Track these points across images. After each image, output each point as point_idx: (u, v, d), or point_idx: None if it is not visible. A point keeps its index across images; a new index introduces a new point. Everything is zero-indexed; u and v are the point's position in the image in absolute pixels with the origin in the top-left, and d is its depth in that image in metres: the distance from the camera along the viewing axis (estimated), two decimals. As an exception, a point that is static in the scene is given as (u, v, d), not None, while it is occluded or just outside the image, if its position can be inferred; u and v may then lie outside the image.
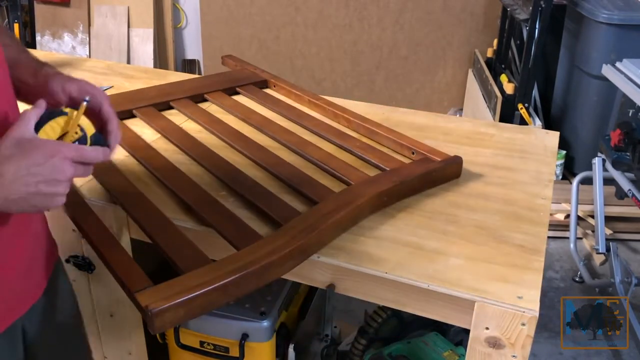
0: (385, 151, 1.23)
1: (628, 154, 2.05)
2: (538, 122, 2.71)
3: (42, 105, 0.76)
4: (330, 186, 1.07)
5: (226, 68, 1.71)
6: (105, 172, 1.11)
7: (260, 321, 1.24)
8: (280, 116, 1.40)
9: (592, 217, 2.48)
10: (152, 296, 0.77)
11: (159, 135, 1.29)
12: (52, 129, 0.78)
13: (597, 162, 2.22)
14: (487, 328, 0.84)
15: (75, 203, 1.00)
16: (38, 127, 0.75)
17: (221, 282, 0.80)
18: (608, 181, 2.23)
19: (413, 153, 1.19)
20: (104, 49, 3.57)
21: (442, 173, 1.13)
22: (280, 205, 1.02)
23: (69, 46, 3.71)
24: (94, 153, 0.76)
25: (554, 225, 2.59)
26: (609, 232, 2.55)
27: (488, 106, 2.89)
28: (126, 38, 3.47)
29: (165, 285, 0.79)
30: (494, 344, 0.85)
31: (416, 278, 0.88)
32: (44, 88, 0.83)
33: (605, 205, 2.27)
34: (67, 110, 0.80)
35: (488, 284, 0.87)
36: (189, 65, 3.68)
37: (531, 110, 2.74)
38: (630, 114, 2.13)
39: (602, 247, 2.23)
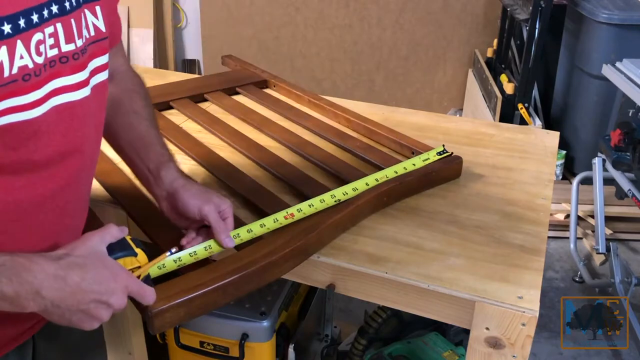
0: (385, 151, 1.23)
1: (628, 154, 2.05)
2: (538, 122, 2.71)
3: (122, 232, 0.74)
4: (331, 186, 1.07)
5: (226, 68, 1.71)
6: (105, 172, 1.11)
7: (260, 321, 1.24)
8: (280, 116, 1.40)
9: (592, 217, 2.48)
10: (152, 296, 0.77)
11: (159, 135, 1.29)
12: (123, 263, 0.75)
13: (597, 162, 2.22)
14: (487, 328, 0.84)
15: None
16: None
17: (221, 283, 0.80)
18: (608, 181, 2.23)
19: (413, 153, 1.19)
20: (104, 49, 3.57)
21: (442, 173, 1.13)
22: (280, 205, 1.01)
23: (69, 46, 3.70)
24: (150, 296, 0.73)
25: (554, 225, 2.59)
26: (609, 232, 2.55)
27: (488, 106, 2.89)
28: (126, 38, 3.46)
29: (165, 286, 0.79)
30: (494, 344, 0.85)
31: (416, 278, 0.88)
32: (173, 197, 0.83)
33: (605, 205, 2.27)
34: (138, 251, 0.76)
35: (488, 284, 0.87)
36: (189, 65, 3.67)
37: (531, 110, 2.74)
38: (630, 114, 2.13)
39: (602, 247, 2.23)
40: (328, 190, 1.05)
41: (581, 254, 2.46)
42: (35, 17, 0.64)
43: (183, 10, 3.56)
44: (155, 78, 1.61)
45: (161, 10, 3.51)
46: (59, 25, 0.67)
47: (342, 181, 1.10)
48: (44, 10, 0.65)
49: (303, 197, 1.06)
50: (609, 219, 2.48)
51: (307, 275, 0.95)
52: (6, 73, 0.62)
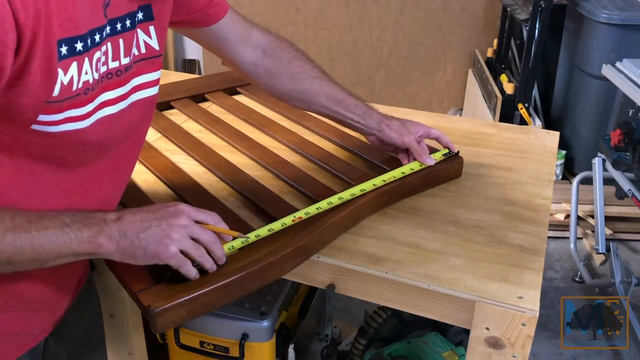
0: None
1: (628, 154, 2.05)
2: (538, 122, 2.72)
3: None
4: (331, 185, 1.08)
5: (226, 68, 1.70)
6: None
7: (260, 321, 1.24)
8: (281, 116, 1.40)
9: (592, 217, 2.48)
10: (154, 296, 0.77)
11: (160, 135, 1.29)
12: None
13: (597, 162, 2.22)
14: (487, 328, 0.85)
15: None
16: None
17: (223, 282, 0.80)
18: (608, 181, 2.23)
19: (413, 153, 1.19)
20: (104, 49, 3.56)
21: (443, 173, 1.13)
22: (281, 205, 1.02)
23: (69, 46, 3.70)
24: (204, 215, 0.81)
25: (554, 225, 2.59)
26: (609, 232, 2.55)
27: (488, 106, 2.89)
28: (126, 38, 3.47)
29: (167, 285, 0.79)
30: (494, 344, 0.85)
31: (416, 278, 0.88)
32: (379, 133, 1.11)
33: (605, 205, 2.27)
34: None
35: (488, 284, 0.87)
36: (189, 65, 3.67)
37: (531, 110, 2.74)
38: (630, 114, 2.13)
39: (602, 247, 2.23)
40: (329, 189, 1.06)
41: (581, 254, 2.46)
42: (97, 37, 0.70)
43: (183, 10, 3.56)
44: (156, 78, 1.61)
45: (161, 10, 3.51)
46: (109, 45, 0.74)
47: (343, 180, 1.10)
48: (103, 31, 0.71)
49: (304, 196, 1.06)
50: (609, 219, 2.49)
51: (307, 275, 0.95)
52: (74, 87, 0.68)
